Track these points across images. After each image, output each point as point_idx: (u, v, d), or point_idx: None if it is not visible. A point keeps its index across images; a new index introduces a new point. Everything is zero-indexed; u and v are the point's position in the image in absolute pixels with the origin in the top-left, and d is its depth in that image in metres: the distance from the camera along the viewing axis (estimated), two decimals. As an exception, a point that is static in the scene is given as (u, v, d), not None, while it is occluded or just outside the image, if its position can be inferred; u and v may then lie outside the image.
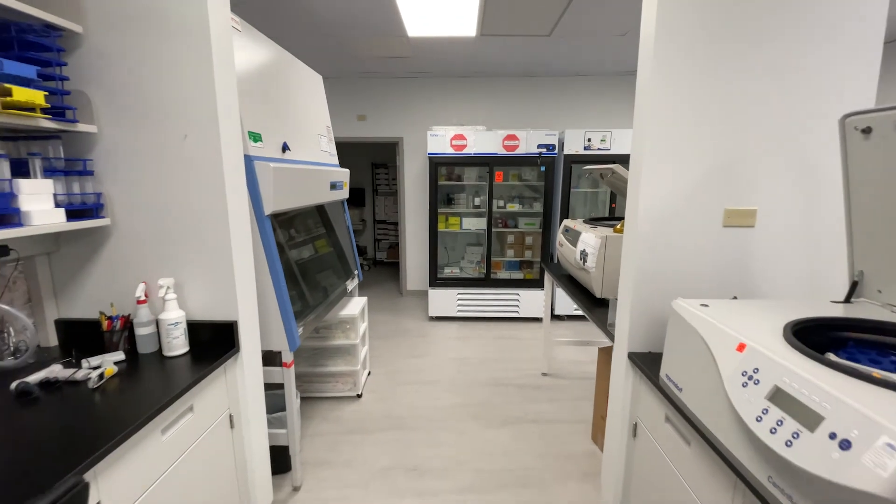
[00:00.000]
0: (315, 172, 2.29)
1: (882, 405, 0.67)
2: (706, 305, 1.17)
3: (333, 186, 2.63)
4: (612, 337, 1.74)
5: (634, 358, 1.52)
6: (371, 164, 6.81)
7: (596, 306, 2.15)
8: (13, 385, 1.26)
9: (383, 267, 6.94)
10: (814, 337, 1.03)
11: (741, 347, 0.93)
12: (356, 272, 3.07)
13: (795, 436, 0.73)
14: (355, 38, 3.53)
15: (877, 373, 0.79)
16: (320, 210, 2.74)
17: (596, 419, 2.43)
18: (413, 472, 2.20)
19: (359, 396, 2.92)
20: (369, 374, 3.27)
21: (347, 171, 2.89)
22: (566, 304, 4.42)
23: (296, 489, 2.07)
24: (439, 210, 4.42)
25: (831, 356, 0.94)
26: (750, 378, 0.87)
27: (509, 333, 4.13)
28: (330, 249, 2.77)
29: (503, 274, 4.52)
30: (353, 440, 2.46)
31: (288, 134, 2.16)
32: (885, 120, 1.07)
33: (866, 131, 1.11)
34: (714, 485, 1.07)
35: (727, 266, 1.53)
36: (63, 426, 1.10)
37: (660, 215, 1.50)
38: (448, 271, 4.59)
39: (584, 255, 2.25)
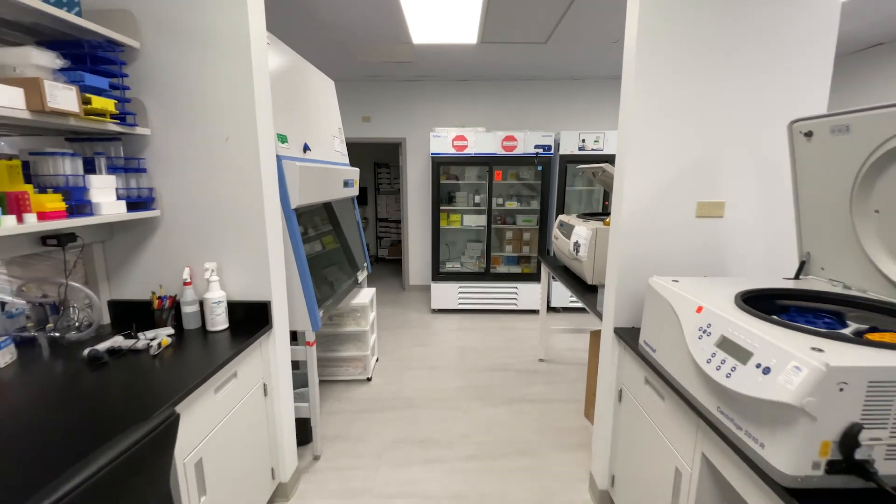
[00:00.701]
0: (331, 171, 2.50)
1: (793, 342, 0.88)
2: (676, 281, 1.39)
3: (346, 184, 2.85)
4: (601, 317, 1.95)
5: (619, 332, 1.74)
6: (373, 163, 7.02)
7: (588, 292, 2.37)
8: (85, 351, 1.46)
9: (385, 263, 7.15)
10: (764, 306, 1.26)
11: (699, 309, 1.15)
12: (366, 264, 3.28)
13: (733, 369, 0.95)
14: (363, 44, 3.74)
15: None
16: (328, 208, 2.94)
17: (588, 397, 2.65)
18: (421, 444, 2.41)
19: (369, 380, 3.13)
20: (377, 360, 3.48)
21: (357, 169, 3.11)
22: (561, 296, 4.64)
23: (316, 458, 2.28)
24: (441, 208, 4.63)
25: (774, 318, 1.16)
26: (704, 332, 1.09)
27: (508, 325, 4.35)
28: (341, 244, 2.98)
29: (502, 268, 4.74)
30: (366, 418, 2.67)
31: (308, 135, 2.37)
32: (823, 125, 1.29)
33: (808, 134, 1.33)
34: (682, 428, 1.29)
35: (700, 251, 1.75)
36: (137, 382, 1.31)
37: (641, 208, 1.72)
38: (449, 266, 4.80)
39: (577, 246, 2.47)
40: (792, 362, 0.84)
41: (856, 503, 0.84)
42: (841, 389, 0.81)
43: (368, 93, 5.17)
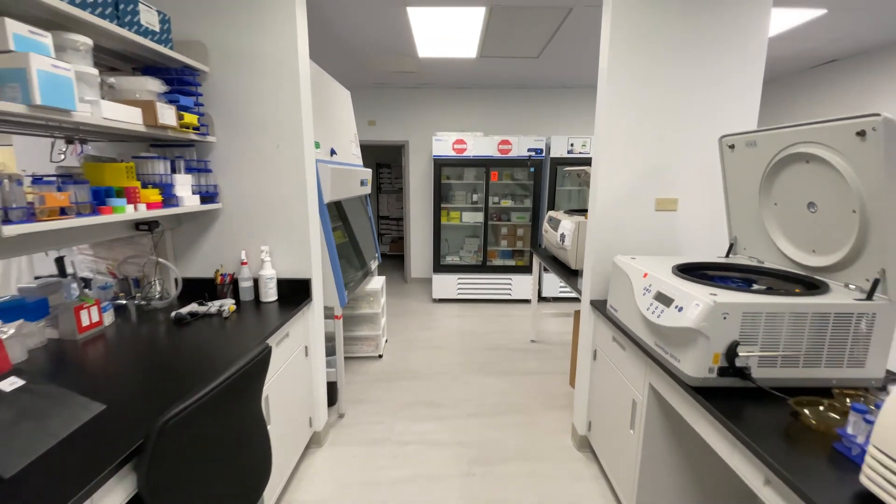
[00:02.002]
0: (352, 171, 2.90)
1: (699, 290, 1.30)
2: (634, 259, 1.81)
3: (362, 183, 3.25)
4: (581, 293, 2.37)
5: (594, 303, 2.17)
6: (376, 163, 7.40)
7: (572, 276, 2.79)
8: (172, 314, 1.85)
9: (387, 259, 7.54)
10: (695, 274, 1.68)
11: (645, 275, 1.57)
12: (377, 255, 3.68)
13: (662, 311, 1.37)
14: (372, 56, 4.14)
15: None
16: (338, 205, 3.31)
17: (572, 368, 3.07)
18: (429, 405, 2.82)
19: (380, 357, 3.53)
20: (387, 340, 3.88)
21: (370, 170, 3.50)
22: (551, 287, 5.07)
23: (341, 416, 2.68)
24: (442, 205, 5.04)
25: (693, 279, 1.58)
26: (647, 290, 1.51)
27: (503, 312, 4.77)
28: (355, 236, 3.37)
29: (498, 261, 5.16)
30: (381, 386, 3.07)
31: (333, 141, 2.76)
32: (740, 140, 1.72)
33: (731, 147, 1.75)
34: (636, 368, 1.71)
35: (658, 238, 2.18)
36: (221, 335, 1.70)
37: (612, 203, 2.14)
38: (449, 259, 5.21)
39: (562, 237, 2.89)
40: (695, 301, 1.27)
41: (740, 397, 1.26)
42: (724, 318, 1.22)
43: (374, 99, 5.56)
